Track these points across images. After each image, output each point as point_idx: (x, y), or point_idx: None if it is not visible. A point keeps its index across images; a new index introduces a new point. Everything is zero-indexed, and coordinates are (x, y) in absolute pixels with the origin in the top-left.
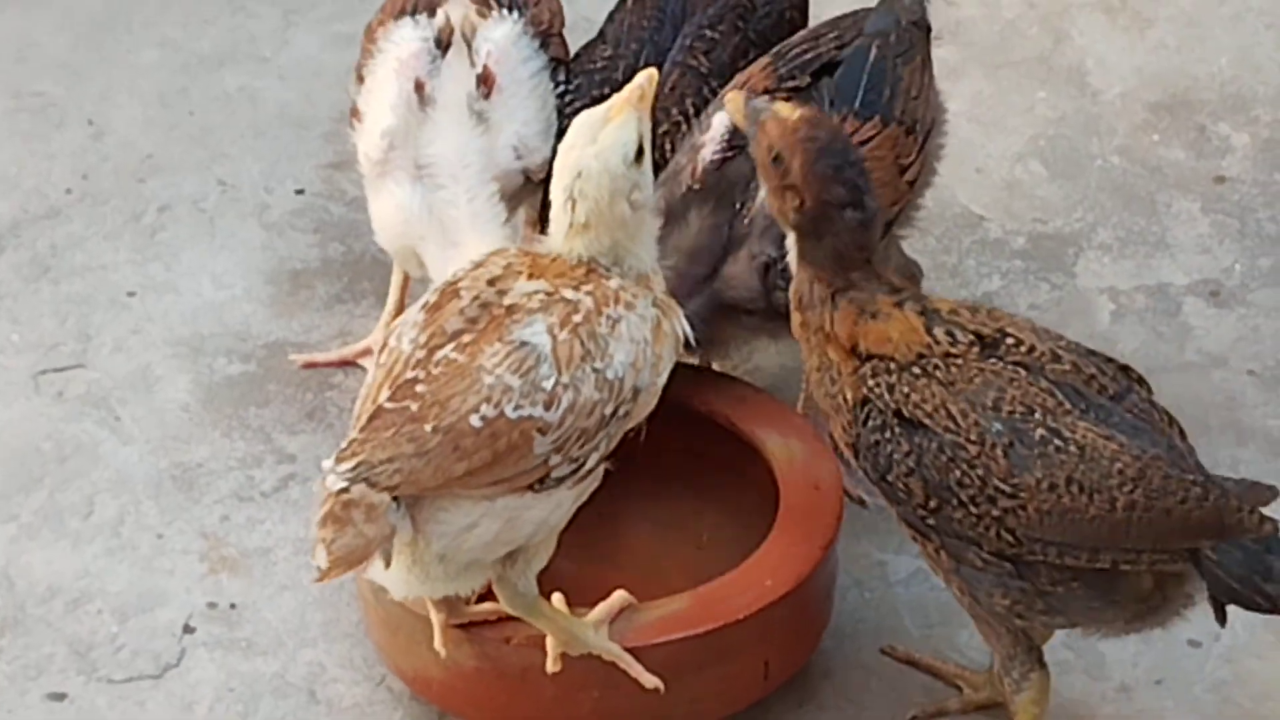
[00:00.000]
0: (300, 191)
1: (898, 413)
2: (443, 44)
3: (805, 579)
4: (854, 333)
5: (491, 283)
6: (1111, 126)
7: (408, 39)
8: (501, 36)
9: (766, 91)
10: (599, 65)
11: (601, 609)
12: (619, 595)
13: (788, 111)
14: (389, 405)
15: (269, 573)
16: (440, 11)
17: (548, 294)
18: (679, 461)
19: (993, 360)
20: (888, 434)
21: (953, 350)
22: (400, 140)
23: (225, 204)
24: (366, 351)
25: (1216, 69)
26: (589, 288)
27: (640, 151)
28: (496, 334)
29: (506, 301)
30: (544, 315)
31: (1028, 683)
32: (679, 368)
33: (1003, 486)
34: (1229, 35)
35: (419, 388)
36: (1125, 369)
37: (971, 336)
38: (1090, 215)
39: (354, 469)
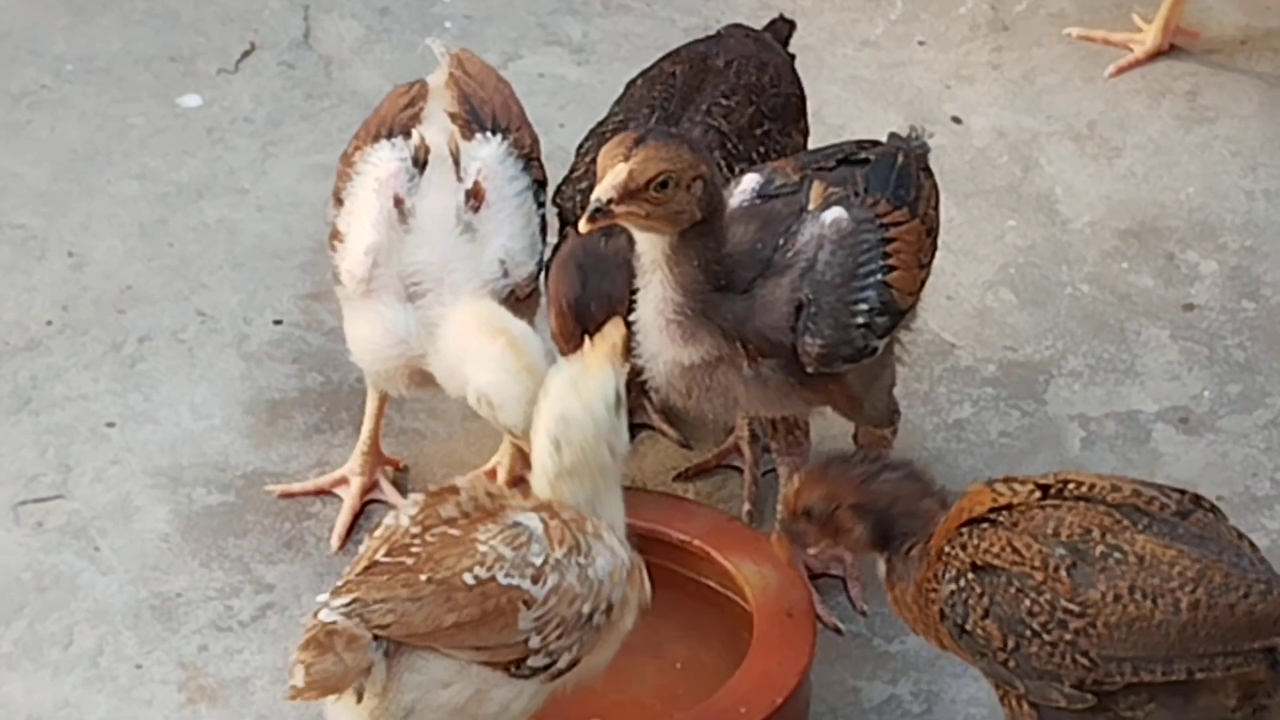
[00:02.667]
0: (279, 322)
1: (972, 564)
2: (419, 163)
3: (780, 707)
4: (936, 552)
5: (489, 494)
6: (1081, 254)
7: (385, 159)
8: (489, 155)
9: (795, 173)
10: (611, 128)
11: None
12: None
13: (790, 483)
14: (385, 560)
15: (247, 703)
16: (415, 132)
17: (540, 505)
18: (655, 588)
19: (1054, 499)
20: (962, 583)
21: (1015, 500)
22: (384, 257)
23: (204, 335)
24: (343, 480)
25: (1184, 196)
26: (570, 513)
27: (619, 400)
28: (491, 519)
29: (499, 502)
30: (536, 510)
31: None
32: (658, 497)
33: (1070, 606)
34: (1196, 163)
35: (414, 548)
36: (1196, 497)
37: (1031, 485)
38: (1060, 343)
39: (349, 604)
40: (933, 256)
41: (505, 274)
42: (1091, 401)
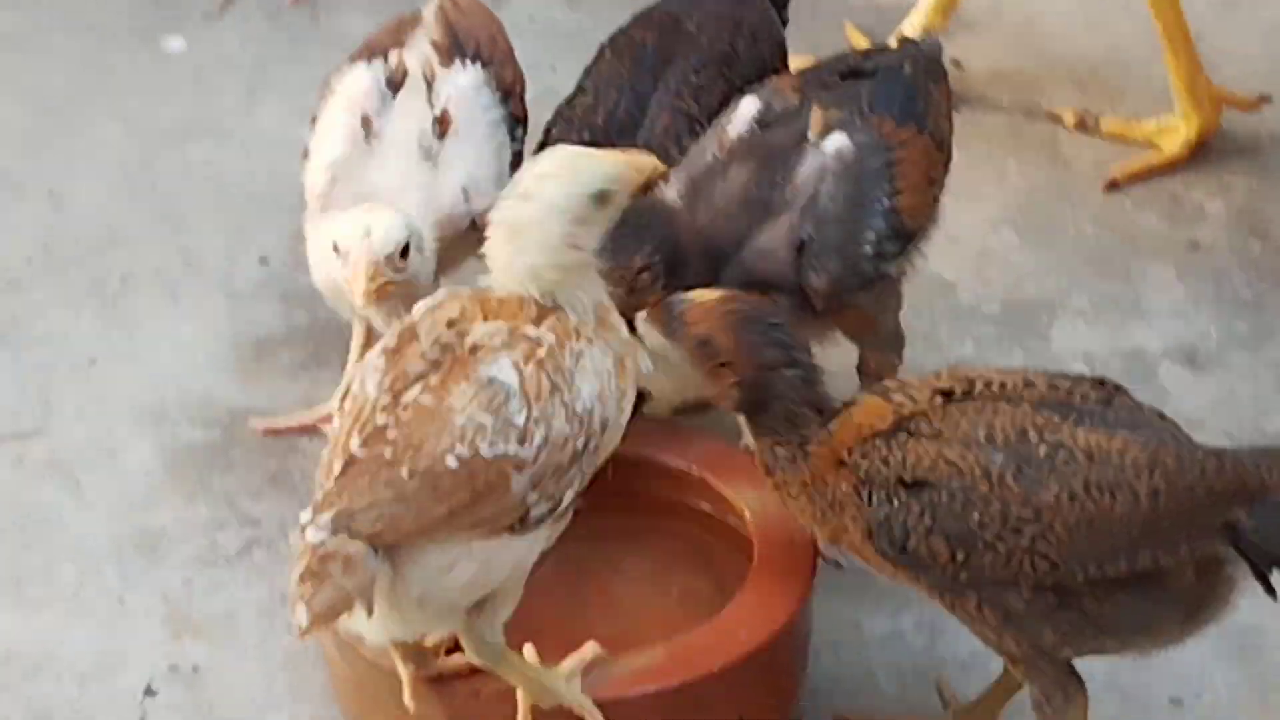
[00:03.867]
0: (265, 261)
1: (899, 480)
2: (395, 84)
3: (779, 633)
4: (833, 456)
5: (450, 324)
6: (1084, 195)
7: (359, 79)
8: (464, 83)
9: (795, 93)
10: (579, 111)
11: (573, 660)
12: (590, 647)
13: (704, 296)
14: (361, 453)
15: (233, 636)
16: (394, 53)
17: (510, 332)
18: (652, 515)
19: (967, 401)
20: (895, 503)
21: (922, 409)
22: (343, 173)
23: (188, 274)
24: (329, 417)
25: None
26: (549, 323)
27: (607, 197)
28: (463, 373)
29: (469, 342)
30: (508, 352)
31: (1071, 706)
32: (654, 424)
33: (1023, 513)
34: None
35: (390, 433)
36: (1101, 381)
37: (929, 390)
38: (1064, 281)
39: (333, 519)
40: (946, 169)
41: (466, 200)
42: (1096, 339)
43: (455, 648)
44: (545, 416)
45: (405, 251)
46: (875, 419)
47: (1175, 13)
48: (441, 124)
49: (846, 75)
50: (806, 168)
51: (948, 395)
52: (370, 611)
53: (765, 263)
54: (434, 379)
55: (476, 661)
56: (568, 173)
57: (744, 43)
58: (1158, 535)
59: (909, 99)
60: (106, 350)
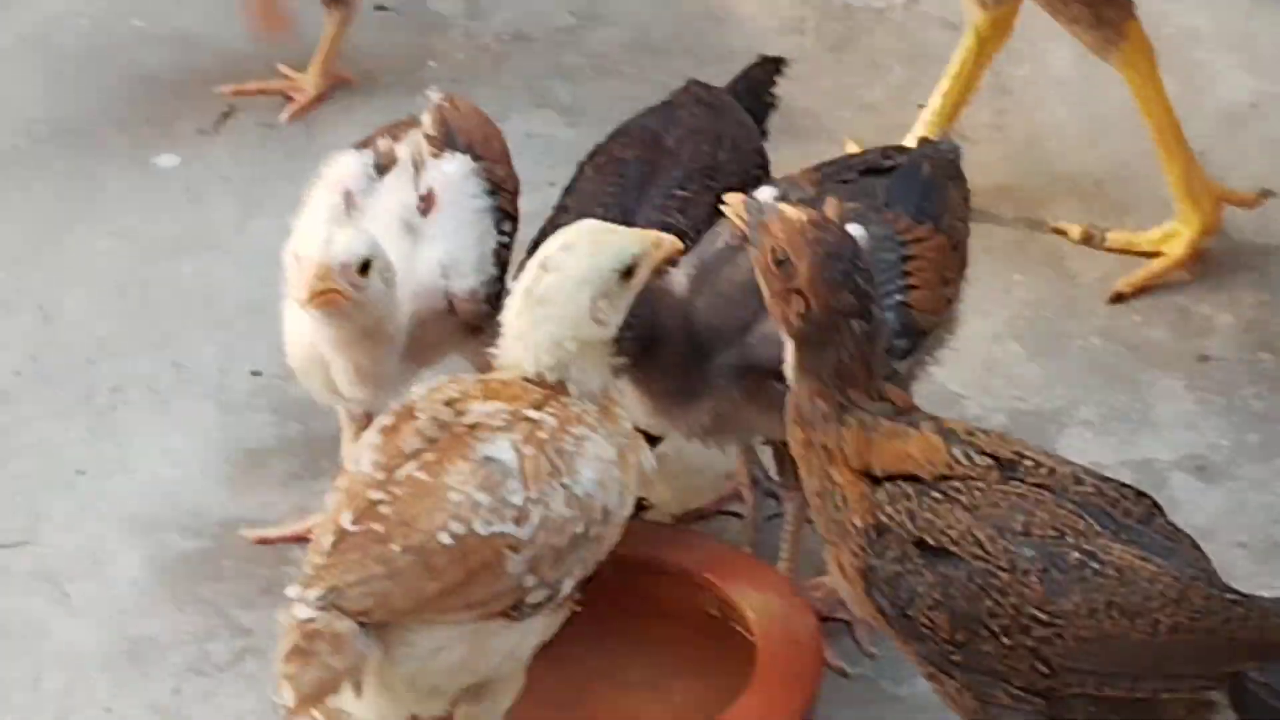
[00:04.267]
0: (258, 374)
1: (920, 542)
2: (382, 169)
3: None
4: (865, 453)
5: (449, 404)
6: (1091, 308)
7: (348, 163)
8: (453, 170)
9: (812, 186)
10: (562, 224)
11: None
12: None
13: (794, 213)
14: (353, 529)
15: None
16: (384, 141)
17: (510, 413)
18: (652, 621)
19: (1015, 483)
20: (909, 565)
21: (972, 474)
22: None
23: (179, 385)
24: None
25: None
26: (551, 409)
27: (631, 272)
28: (459, 452)
29: (467, 421)
30: (508, 433)
31: None
32: (656, 526)
33: (1038, 614)
34: None
35: (382, 509)
36: (1144, 494)
37: (990, 459)
38: (1071, 393)
39: (323, 595)
40: (961, 271)
41: (445, 278)
42: (1105, 450)
43: None
44: (543, 498)
45: (366, 269)
46: (925, 460)
47: (1164, 110)
48: (426, 201)
49: (865, 172)
50: None
51: (1002, 466)
52: (359, 692)
53: (769, 349)
54: (430, 456)
55: None
56: (594, 245)
57: (725, 154)
58: (1166, 669)
59: (926, 197)
60: (95, 460)
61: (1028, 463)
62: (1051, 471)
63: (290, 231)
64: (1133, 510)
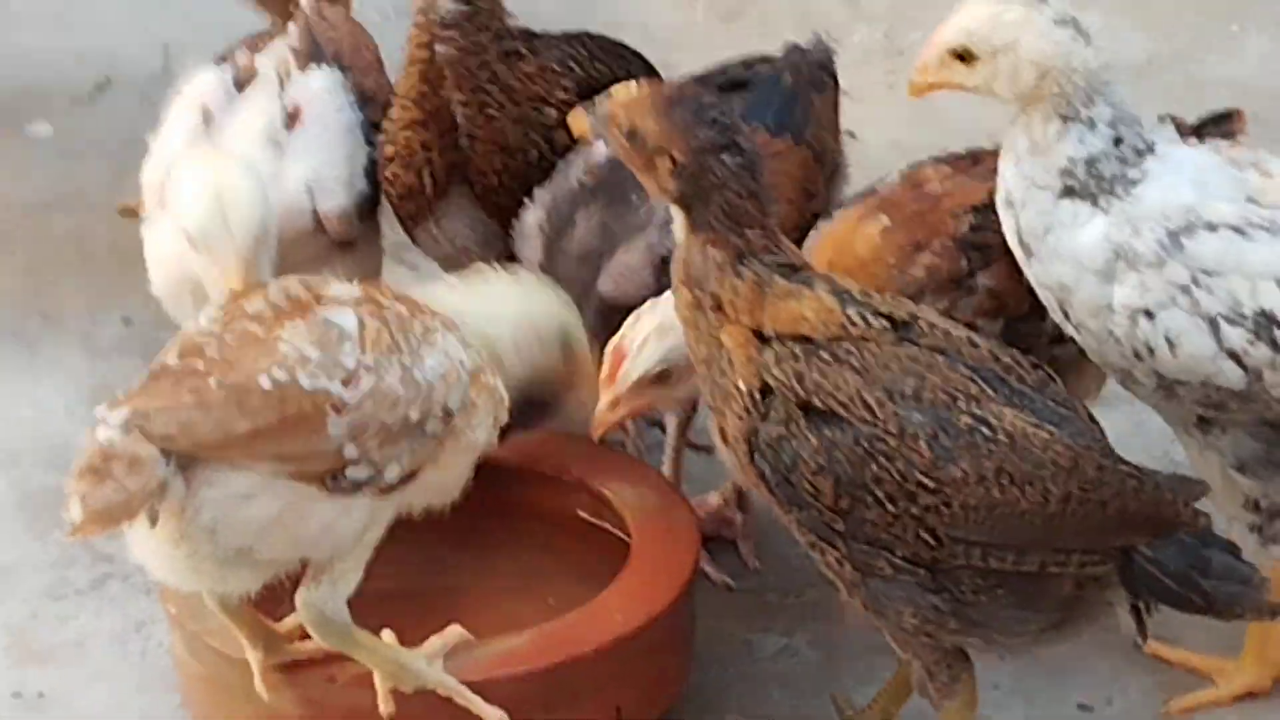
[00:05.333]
0: (128, 321)
1: (806, 404)
2: (240, 83)
3: (659, 616)
4: (758, 310)
5: (307, 287)
6: None
7: (206, 79)
8: (318, 84)
9: None
10: None
11: (434, 641)
12: (454, 629)
13: (628, 90)
14: (173, 363)
15: (82, 664)
16: (243, 54)
17: (363, 293)
18: (525, 522)
19: (908, 344)
20: (794, 427)
21: (866, 335)
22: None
23: (47, 334)
24: None
25: None
26: (405, 302)
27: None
28: (300, 314)
29: (316, 293)
30: (355, 307)
31: (958, 685)
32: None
33: (925, 480)
34: None
35: (208, 350)
36: (1037, 364)
37: (885, 320)
38: None
39: (127, 417)
40: (831, 182)
41: (311, 198)
42: None
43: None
44: (377, 368)
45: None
46: (818, 322)
47: None
48: (291, 117)
49: (724, 87)
50: None
51: (897, 327)
52: (154, 522)
53: (625, 281)
54: (269, 314)
55: (321, 641)
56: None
57: None
58: (1054, 541)
59: (786, 110)
60: None
61: (922, 324)
62: (947, 334)
63: None
64: (1027, 377)
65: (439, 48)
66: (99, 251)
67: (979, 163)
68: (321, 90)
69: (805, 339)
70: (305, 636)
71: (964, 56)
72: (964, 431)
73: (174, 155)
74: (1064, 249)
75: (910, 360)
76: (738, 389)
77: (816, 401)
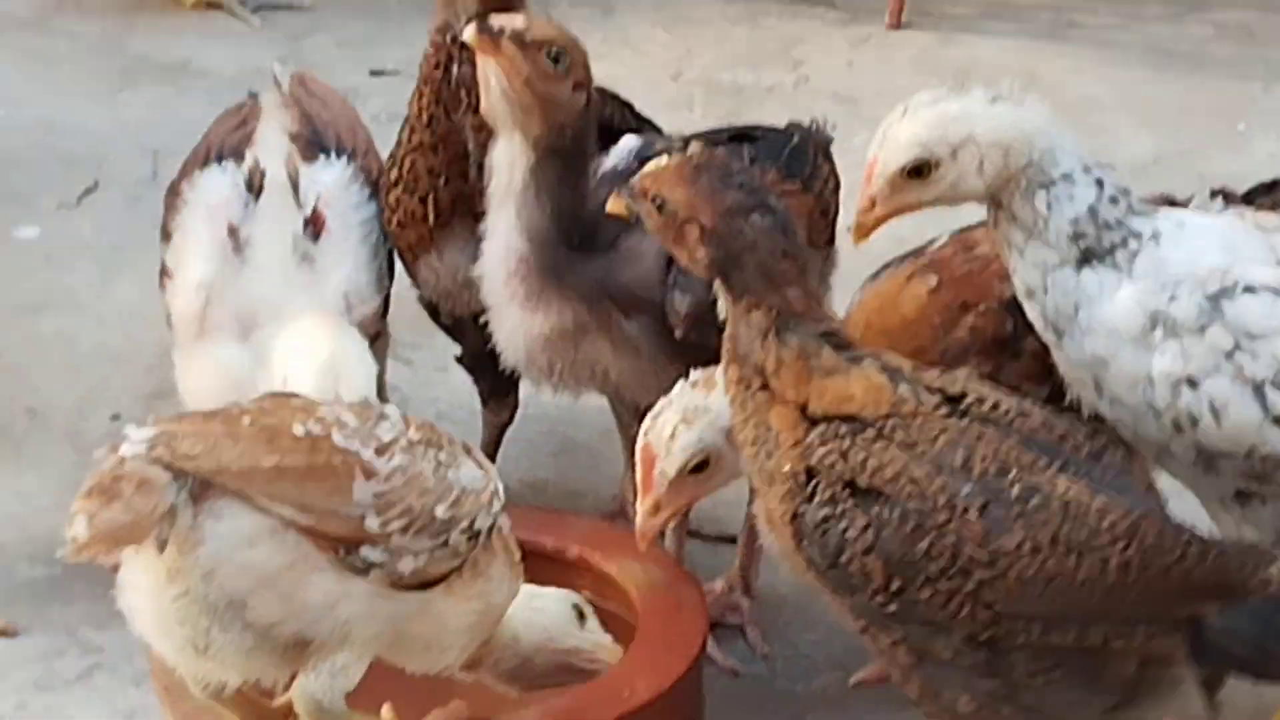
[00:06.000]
0: (116, 418)
1: (851, 483)
2: (254, 187)
3: (668, 689)
4: (803, 386)
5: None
6: None
7: (216, 186)
8: (331, 180)
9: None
10: None
11: (437, 715)
12: (457, 704)
13: (657, 163)
14: (206, 411)
15: None
16: (249, 154)
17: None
18: None
19: (957, 418)
20: (840, 507)
21: (914, 410)
22: (217, 293)
23: (34, 431)
24: None
25: None
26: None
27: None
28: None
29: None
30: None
31: None
32: (527, 512)
33: (978, 555)
34: None
35: (250, 404)
36: (1098, 430)
37: (938, 394)
38: None
39: (154, 436)
40: (831, 240)
41: (349, 309)
42: None
43: None
44: (413, 451)
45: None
46: (869, 401)
47: None
48: (315, 224)
49: (733, 138)
50: None
51: (949, 401)
52: (161, 549)
53: (632, 269)
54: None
55: None
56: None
57: None
58: (1117, 612)
59: (794, 158)
60: None
61: (972, 397)
62: (996, 406)
63: (155, 293)
64: (1083, 445)
65: (457, 68)
66: (87, 352)
67: None
68: (335, 187)
69: (852, 418)
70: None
71: (919, 171)
72: (1016, 501)
73: (206, 280)
74: (1096, 322)
75: (958, 432)
76: (782, 471)
77: (862, 480)
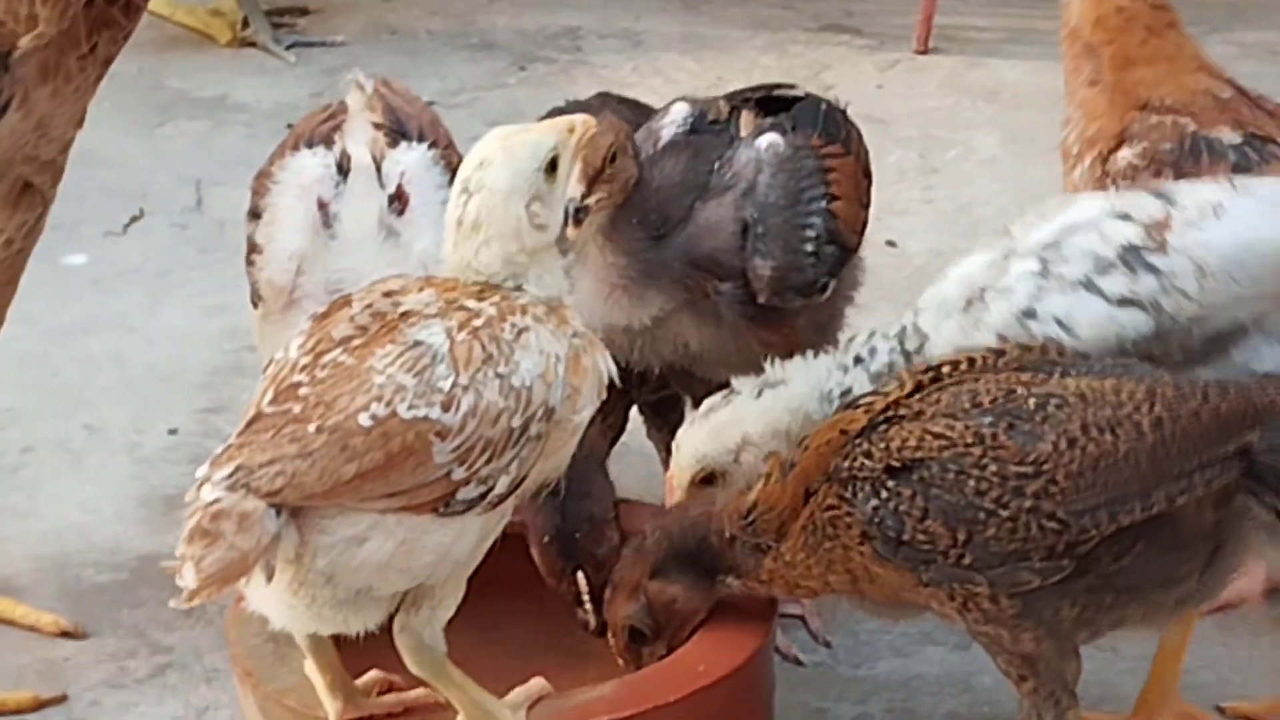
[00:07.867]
0: (174, 431)
1: (886, 469)
2: (344, 169)
3: (739, 667)
4: (798, 503)
5: (387, 294)
6: None
7: (307, 166)
8: (414, 161)
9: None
10: None
11: (519, 692)
12: (537, 681)
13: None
14: (269, 409)
15: None
16: (338, 139)
17: (446, 300)
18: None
19: (941, 386)
20: (884, 494)
21: (896, 397)
22: (308, 264)
23: (92, 444)
24: None
25: None
26: (492, 299)
27: (554, 165)
28: (389, 337)
29: (401, 309)
30: (441, 319)
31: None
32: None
33: (1022, 469)
34: None
35: (303, 390)
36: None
37: (897, 384)
38: None
39: (231, 474)
40: (869, 202)
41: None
42: None
43: (389, 689)
44: (475, 384)
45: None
46: (845, 424)
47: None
48: (399, 200)
49: (767, 99)
50: (742, 159)
51: (931, 379)
52: (270, 577)
53: (711, 238)
54: (358, 341)
55: (413, 669)
56: (508, 153)
57: None
58: (1168, 469)
59: (831, 123)
60: (4, 511)
61: (945, 368)
62: (971, 361)
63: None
64: (1064, 355)
65: None
66: (139, 371)
67: None
68: (417, 167)
69: (843, 445)
70: (383, 692)
71: (710, 479)
72: (1036, 410)
73: (298, 251)
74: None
75: (952, 387)
76: (832, 518)
77: (894, 461)
